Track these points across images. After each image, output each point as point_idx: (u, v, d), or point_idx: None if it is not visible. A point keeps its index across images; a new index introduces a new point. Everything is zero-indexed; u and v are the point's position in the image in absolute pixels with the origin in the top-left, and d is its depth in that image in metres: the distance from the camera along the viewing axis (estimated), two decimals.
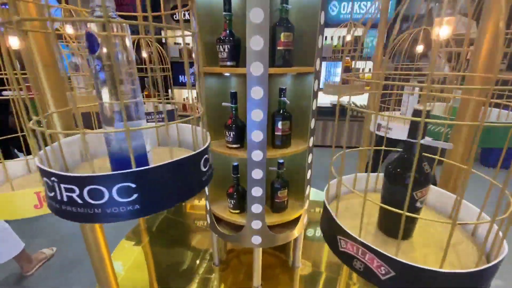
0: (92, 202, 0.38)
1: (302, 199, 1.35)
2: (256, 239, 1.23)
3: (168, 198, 0.40)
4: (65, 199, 0.38)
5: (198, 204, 2.18)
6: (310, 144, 1.24)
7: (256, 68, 0.95)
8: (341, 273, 1.48)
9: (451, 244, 0.47)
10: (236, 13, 1.06)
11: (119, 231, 1.88)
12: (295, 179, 1.34)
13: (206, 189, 1.31)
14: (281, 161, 1.19)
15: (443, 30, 0.92)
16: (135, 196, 0.37)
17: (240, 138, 1.15)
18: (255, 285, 1.39)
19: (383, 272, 0.46)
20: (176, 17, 3.76)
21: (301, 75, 1.16)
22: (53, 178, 0.38)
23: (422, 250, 0.53)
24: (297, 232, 1.32)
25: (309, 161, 1.27)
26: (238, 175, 1.24)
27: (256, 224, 1.19)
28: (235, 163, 1.23)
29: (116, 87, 0.40)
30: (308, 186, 1.34)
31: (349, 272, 1.49)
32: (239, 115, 1.16)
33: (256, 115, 1.01)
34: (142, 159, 0.45)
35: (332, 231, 0.55)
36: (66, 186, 0.37)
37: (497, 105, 1.27)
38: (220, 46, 1.02)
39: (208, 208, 1.34)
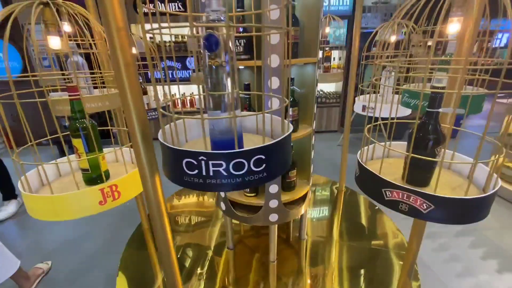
0: (235, 173, 0.46)
1: (307, 178, 1.51)
2: (273, 217, 1.35)
3: (280, 167, 0.50)
4: (211, 173, 0.45)
5: (178, 203, 2.19)
6: (314, 127, 1.39)
7: (273, 60, 1.05)
8: (334, 237, 1.69)
9: (457, 185, 0.65)
10: (247, 10, 1.13)
11: (120, 239, 1.85)
12: (301, 160, 1.49)
13: None
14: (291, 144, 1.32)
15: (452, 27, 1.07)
16: (263, 166, 0.47)
17: None
18: (271, 259, 1.53)
19: (425, 207, 0.63)
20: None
21: (306, 65, 1.29)
22: (201, 157, 0.45)
23: (441, 192, 0.71)
24: (304, 207, 1.48)
25: (312, 143, 1.43)
26: None
27: (273, 203, 1.32)
28: None
29: (232, 80, 0.48)
30: (312, 165, 1.50)
31: (341, 234, 1.72)
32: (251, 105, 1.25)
33: (274, 104, 1.12)
34: (240, 140, 0.54)
35: (377, 186, 0.70)
36: (214, 162, 0.45)
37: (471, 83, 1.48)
38: (236, 41, 1.09)
39: (224, 195, 1.42)
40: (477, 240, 1.83)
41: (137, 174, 0.80)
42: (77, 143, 0.78)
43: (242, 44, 1.10)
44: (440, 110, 0.66)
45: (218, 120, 0.50)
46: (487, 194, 0.61)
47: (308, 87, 1.32)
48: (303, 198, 1.47)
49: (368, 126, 0.84)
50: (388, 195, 0.68)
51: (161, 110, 0.53)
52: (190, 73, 3.83)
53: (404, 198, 0.65)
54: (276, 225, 1.42)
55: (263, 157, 0.46)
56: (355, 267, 1.49)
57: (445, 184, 0.74)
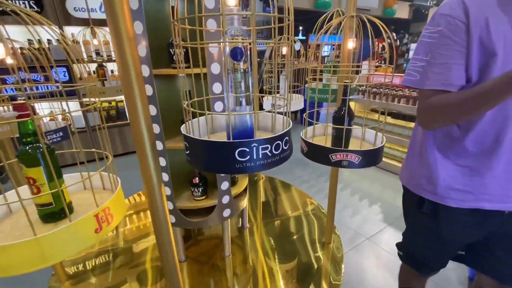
0: (275, 152, 0.58)
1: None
2: (226, 212, 1.46)
3: (292, 147, 0.68)
4: (260, 156, 0.56)
5: None
6: None
7: (215, 68, 1.17)
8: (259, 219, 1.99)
9: (362, 145, 1.04)
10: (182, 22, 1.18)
11: None
12: None
13: (168, 189, 1.34)
14: None
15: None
16: (288, 145, 0.63)
17: None
18: (227, 254, 1.61)
19: (357, 159, 0.96)
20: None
21: None
22: (254, 144, 0.54)
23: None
24: (246, 199, 1.66)
25: None
26: None
27: (226, 199, 1.42)
28: None
29: (253, 82, 0.61)
30: None
31: (268, 213, 2.03)
32: None
33: (218, 106, 1.24)
34: (252, 130, 0.68)
35: (324, 154, 0.99)
36: (263, 146, 0.55)
37: None
38: (175, 50, 1.13)
39: (173, 207, 1.38)
40: (353, 190, 2.61)
41: (120, 196, 0.74)
42: (35, 173, 0.62)
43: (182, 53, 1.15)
44: (350, 97, 1.02)
45: (240, 114, 0.62)
46: (378, 146, 1.01)
47: None
48: (245, 190, 1.64)
49: (305, 114, 1.12)
50: (333, 158, 0.98)
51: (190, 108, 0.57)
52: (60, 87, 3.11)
53: (344, 157, 0.96)
54: (229, 220, 1.53)
55: (287, 138, 0.62)
56: (289, 234, 1.82)
57: (356, 145, 1.12)
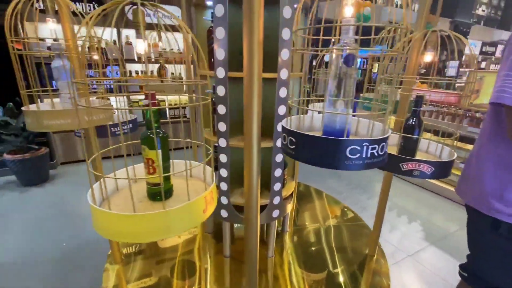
0: (381, 153, 0.62)
1: (292, 175, 1.74)
2: (276, 213, 1.50)
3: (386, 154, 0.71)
4: (368, 155, 0.60)
5: None
6: None
7: (284, 73, 1.23)
8: (326, 224, 2.00)
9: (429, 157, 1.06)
10: None
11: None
12: (287, 160, 1.71)
13: (225, 185, 1.41)
14: None
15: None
16: (385, 148, 0.66)
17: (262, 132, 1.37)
18: (270, 255, 1.65)
19: (429, 170, 0.97)
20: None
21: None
22: (365, 144, 0.59)
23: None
24: (293, 202, 1.70)
25: None
26: None
27: (276, 200, 1.47)
28: None
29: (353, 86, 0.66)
30: (297, 165, 1.74)
31: (306, 220, 2.04)
32: None
33: (281, 110, 1.30)
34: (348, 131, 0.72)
35: (394, 163, 1.01)
36: (372, 146, 0.60)
37: None
38: None
39: (227, 202, 1.45)
40: (391, 205, 2.56)
41: (214, 185, 0.81)
42: (153, 155, 0.70)
43: None
44: (421, 108, 1.04)
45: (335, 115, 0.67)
46: (451, 159, 1.01)
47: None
48: (291, 194, 1.68)
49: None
50: (404, 167, 0.99)
51: (295, 105, 0.63)
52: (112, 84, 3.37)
53: (417, 167, 0.97)
54: (275, 221, 1.57)
55: (385, 142, 0.66)
56: (329, 242, 1.82)
57: (420, 157, 1.13)
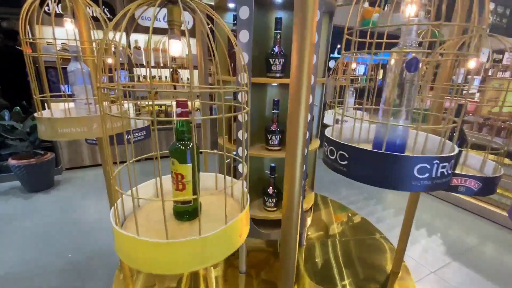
0: (450, 172, 0.54)
1: (312, 187, 1.65)
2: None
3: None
4: (438, 174, 0.52)
5: None
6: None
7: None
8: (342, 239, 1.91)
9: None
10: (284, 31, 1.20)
11: None
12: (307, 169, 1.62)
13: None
14: None
15: None
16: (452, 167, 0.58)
17: (282, 141, 1.30)
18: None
19: (476, 186, 0.89)
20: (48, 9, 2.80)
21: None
22: (435, 161, 0.51)
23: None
24: (311, 215, 1.61)
25: (317, 153, 1.59)
26: (276, 175, 1.36)
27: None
28: (273, 164, 1.35)
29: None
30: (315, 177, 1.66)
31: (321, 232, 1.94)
32: (279, 120, 1.30)
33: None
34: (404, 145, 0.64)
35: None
36: (443, 164, 0.52)
37: None
38: (275, 60, 1.14)
39: None
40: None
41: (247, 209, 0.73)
42: (184, 169, 0.63)
43: (278, 63, 1.16)
44: (462, 118, 0.95)
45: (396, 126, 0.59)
46: (498, 175, 0.93)
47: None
48: (311, 208, 1.59)
49: None
50: (451, 183, 0.91)
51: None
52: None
53: (462, 183, 0.89)
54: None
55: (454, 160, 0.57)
56: (351, 258, 1.72)
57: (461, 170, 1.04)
